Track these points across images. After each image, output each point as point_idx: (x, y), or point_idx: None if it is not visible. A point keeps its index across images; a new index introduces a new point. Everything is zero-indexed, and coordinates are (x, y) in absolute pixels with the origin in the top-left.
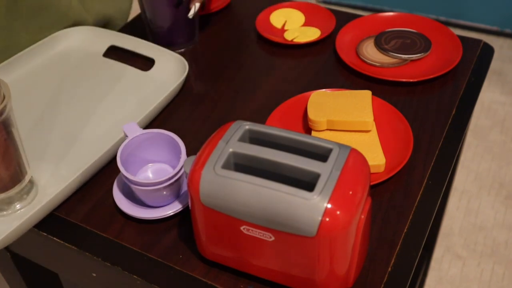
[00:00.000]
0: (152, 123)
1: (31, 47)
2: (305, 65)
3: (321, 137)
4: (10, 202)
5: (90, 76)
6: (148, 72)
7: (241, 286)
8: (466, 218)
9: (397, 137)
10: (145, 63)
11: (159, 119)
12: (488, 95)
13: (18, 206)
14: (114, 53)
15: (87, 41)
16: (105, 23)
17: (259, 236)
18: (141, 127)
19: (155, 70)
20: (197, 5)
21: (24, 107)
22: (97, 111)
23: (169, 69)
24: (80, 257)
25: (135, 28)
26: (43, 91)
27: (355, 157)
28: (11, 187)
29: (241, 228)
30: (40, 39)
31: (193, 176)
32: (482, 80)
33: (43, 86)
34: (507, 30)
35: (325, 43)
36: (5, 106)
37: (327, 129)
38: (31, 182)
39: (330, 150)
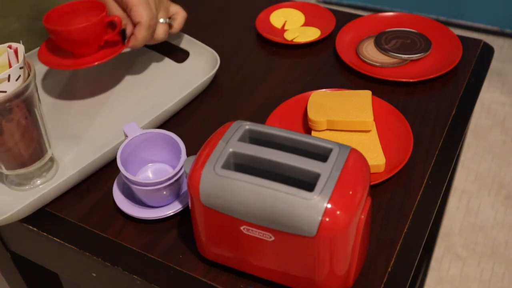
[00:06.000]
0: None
1: None
2: (305, 65)
3: (321, 137)
4: (30, 178)
5: (124, 63)
6: (181, 65)
7: (241, 286)
8: (466, 218)
9: (397, 137)
10: (181, 55)
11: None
12: (488, 95)
13: (38, 182)
14: None
15: None
16: None
17: (259, 236)
18: (156, 125)
19: (188, 63)
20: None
21: (59, 89)
22: (121, 101)
23: (200, 64)
24: (80, 257)
25: None
26: (76, 75)
27: (355, 157)
28: (30, 164)
29: (241, 228)
30: None
31: (193, 176)
32: (482, 80)
33: (77, 71)
34: (507, 30)
35: (325, 43)
36: (27, 85)
37: (327, 129)
38: (51, 160)
39: (330, 150)
